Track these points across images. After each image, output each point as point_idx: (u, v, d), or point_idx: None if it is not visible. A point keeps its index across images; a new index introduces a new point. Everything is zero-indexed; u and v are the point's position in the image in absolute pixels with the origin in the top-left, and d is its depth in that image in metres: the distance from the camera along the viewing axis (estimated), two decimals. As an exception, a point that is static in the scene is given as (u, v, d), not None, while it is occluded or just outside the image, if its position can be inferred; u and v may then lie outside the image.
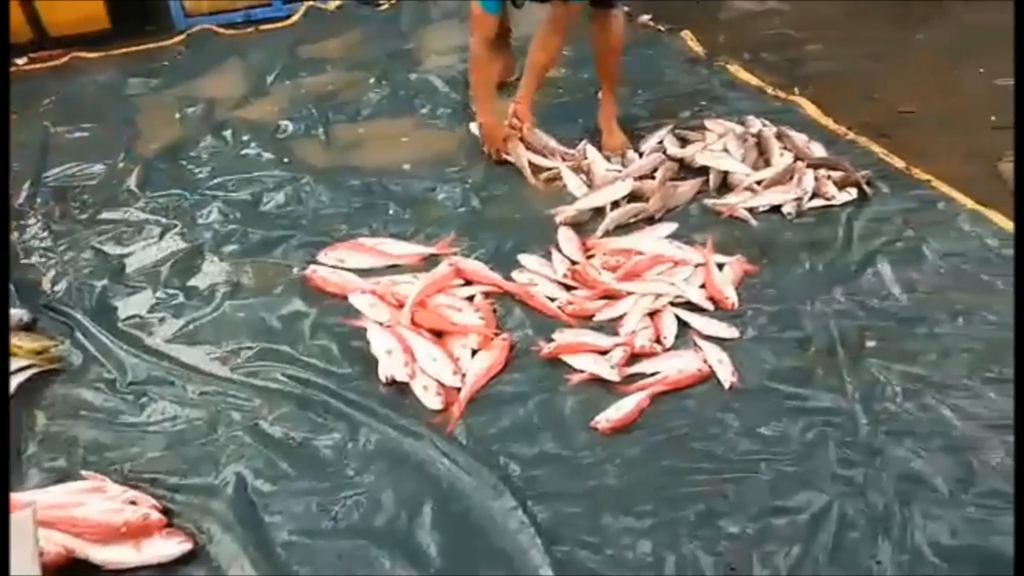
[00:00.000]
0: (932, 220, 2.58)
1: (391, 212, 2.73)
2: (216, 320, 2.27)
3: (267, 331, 2.22)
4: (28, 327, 2.24)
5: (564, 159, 2.90)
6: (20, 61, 3.99)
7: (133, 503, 1.69)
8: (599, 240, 2.53)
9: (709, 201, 2.70)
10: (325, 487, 1.77)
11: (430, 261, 2.45)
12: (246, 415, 1.96)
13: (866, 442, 1.84)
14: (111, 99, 3.65)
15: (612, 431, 1.88)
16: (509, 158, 2.92)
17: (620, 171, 2.81)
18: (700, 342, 2.12)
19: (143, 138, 3.29)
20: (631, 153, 2.94)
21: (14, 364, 2.06)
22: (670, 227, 2.58)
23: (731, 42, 3.85)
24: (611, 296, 2.29)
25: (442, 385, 2.00)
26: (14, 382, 2.03)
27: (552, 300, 2.28)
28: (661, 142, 2.98)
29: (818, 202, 2.66)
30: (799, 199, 2.63)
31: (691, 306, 2.26)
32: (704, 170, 2.81)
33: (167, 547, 1.62)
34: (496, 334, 2.15)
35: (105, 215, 2.79)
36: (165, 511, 1.70)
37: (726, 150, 2.86)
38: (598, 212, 2.64)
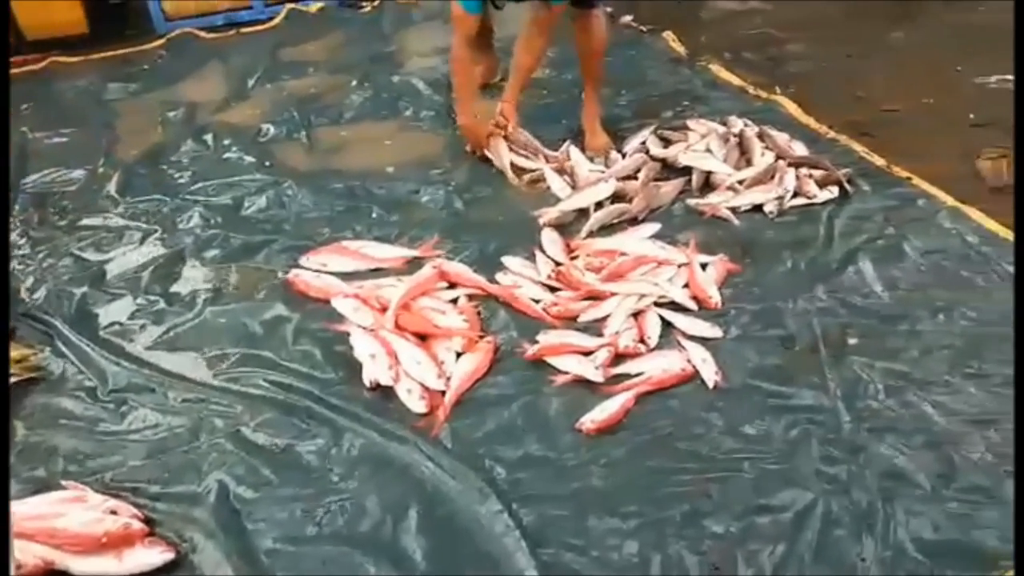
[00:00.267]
0: (912, 218, 2.60)
1: (374, 215, 2.72)
2: (198, 326, 2.25)
3: (249, 337, 2.20)
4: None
5: (547, 160, 2.90)
6: (-3, 66, 3.95)
7: (114, 513, 1.67)
8: (583, 241, 2.53)
9: (692, 201, 2.71)
10: (309, 493, 1.76)
11: (414, 264, 2.44)
12: (228, 422, 1.94)
13: (849, 439, 1.85)
14: (90, 104, 3.61)
15: (597, 432, 1.88)
16: (491, 156, 2.92)
17: (603, 172, 2.81)
18: (684, 342, 2.12)
19: (123, 143, 3.26)
20: (614, 154, 2.95)
21: (-8, 373, 2.03)
22: (653, 227, 2.59)
23: (713, 42, 3.87)
24: (595, 297, 2.29)
25: (426, 388, 1.99)
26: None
27: (536, 302, 2.28)
28: (644, 143, 2.98)
29: (800, 201, 2.67)
30: (781, 198, 2.64)
31: (675, 306, 2.26)
32: (687, 170, 2.82)
33: (149, 557, 1.60)
34: (480, 336, 2.15)
35: (85, 221, 2.76)
36: (147, 520, 1.68)
37: (708, 150, 2.87)
38: (582, 213, 2.64)
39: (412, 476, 1.79)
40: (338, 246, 2.52)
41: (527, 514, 1.69)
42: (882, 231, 2.54)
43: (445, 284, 2.34)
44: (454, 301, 2.29)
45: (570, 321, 2.23)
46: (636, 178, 2.76)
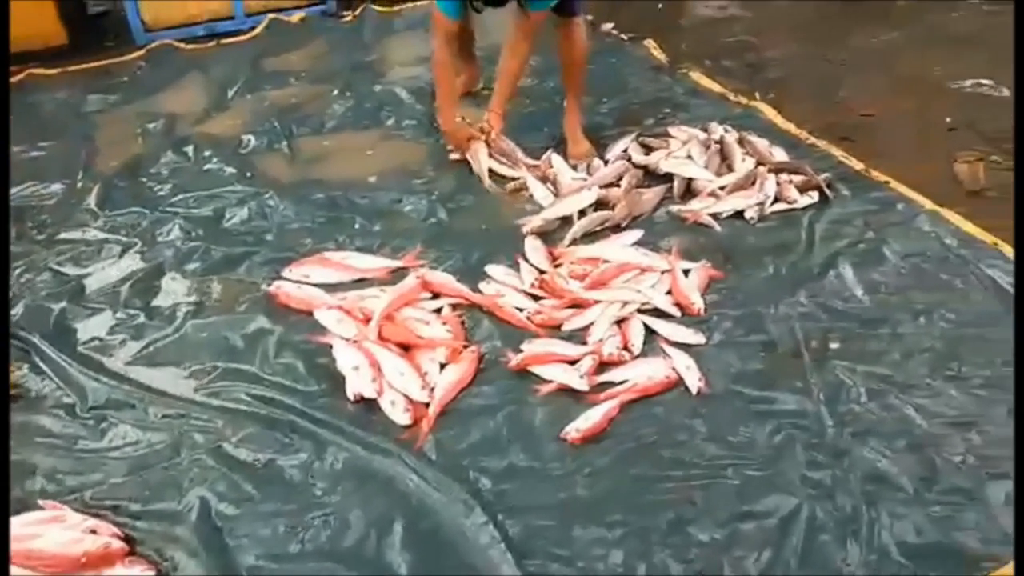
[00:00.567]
0: (892, 221, 2.62)
1: (357, 225, 2.71)
2: (178, 340, 2.23)
3: (230, 350, 2.18)
4: (-17, 353, 2.18)
5: (527, 168, 2.90)
6: (-27, 78, 3.90)
7: (93, 532, 1.64)
8: (566, 249, 2.53)
9: (674, 208, 2.72)
10: (292, 509, 1.74)
11: (397, 274, 2.43)
12: (210, 437, 1.92)
13: (832, 444, 1.86)
14: (69, 116, 3.57)
15: (582, 441, 1.88)
16: (470, 160, 2.93)
17: (586, 179, 2.82)
18: (668, 348, 2.13)
19: (102, 155, 3.22)
20: (596, 161, 2.96)
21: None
22: (636, 234, 2.59)
23: (693, 49, 3.89)
24: (579, 305, 2.29)
25: (410, 400, 1.98)
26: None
27: (520, 310, 2.27)
28: (626, 150, 3.00)
29: (780, 206, 2.69)
30: (761, 204, 2.66)
31: (658, 313, 2.27)
32: (669, 177, 2.84)
33: (130, 576, 1.57)
34: (464, 346, 2.14)
35: (63, 235, 2.72)
36: (127, 539, 1.66)
37: (689, 157, 2.89)
38: (565, 221, 2.64)
39: (396, 489, 1.78)
40: (320, 257, 2.51)
41: (512, 525, 1.69)
42: (862, 235, 2.56)
43: (429, 294, 2.33)
44: (438, 311, 2.28)
45: (554, 329, 2.23)
46: (618, 185, 2.77)
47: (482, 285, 2.37)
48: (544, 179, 2.86)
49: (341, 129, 3.36)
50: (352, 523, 1.71)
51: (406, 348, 2.14)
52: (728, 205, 2.68)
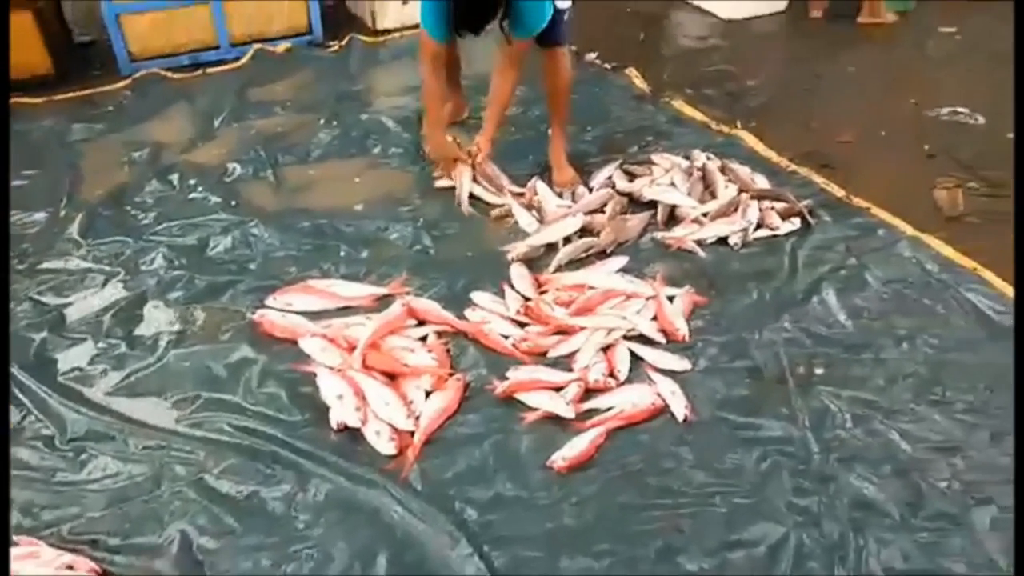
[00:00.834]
0: (873, 247, 2.66)
1: (343, 253, 2.70)
2: (160, 370, 2.20)
3: (213, 380, 2.15)
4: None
5: (512, 195, 2.92)
6: (-43, 108, 3.88)
7: (70, 568, 1.61)
8: (551, 276, 2.54)
9: (658, 234, 2.74)
10: (274, 542, 1.72)
11: (383, 302, 2.43)
12: (191, 469, 1.89)
13: (818, 470, 1.86)
14: (54, 145, 3.56)
15: (568, 469, 1.86)
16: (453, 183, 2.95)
17: (570, 207, 2.84)
18: (653, 375, 2.13)
19: (86, 184, 3.20)
20: (581, 188, 2.98)
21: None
22: (621, 261, 2.61)
23: (674, 78, 3.95)
24: (564, 331, 2.29)
25: (395, 429, 1.97)
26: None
27: (506, 337, 2.27)
28: (610, 177, 3.02)
29: (763, 232, 2.72)
30: (745, 230, 2.69)
31: (644, 339, 2.27)
32: (653, 204, 2.86)
33: (106, 614, 1.54)
34: (450, 374, 2.13)
35: (45, 264, 2.70)
36: (105, 574, 1.63)
37: (673, 184, 2.92)
38: (550, 248, 2.65)
39: (381, 521, 1.76)
40: (305, 285, 2.50)
41: (499, 556, 1.67)
42: (844, 261, 2.59)
43: (414, 321, 2.33)
44: (423, 339, 2.28)
45: (540, 356, 2.22)
46: (603, 212, 2.79)
47: (468, 312, 2.37)
48: (529, 206, 2.88)
49: (327, 158, 3.36)
50: (336, 556, 1.69)
51: (391, 376, 2.13)
52: (712, 231, 2.71)
